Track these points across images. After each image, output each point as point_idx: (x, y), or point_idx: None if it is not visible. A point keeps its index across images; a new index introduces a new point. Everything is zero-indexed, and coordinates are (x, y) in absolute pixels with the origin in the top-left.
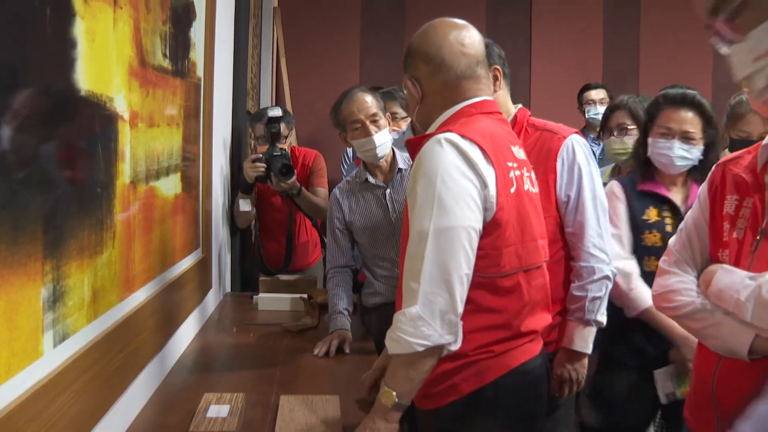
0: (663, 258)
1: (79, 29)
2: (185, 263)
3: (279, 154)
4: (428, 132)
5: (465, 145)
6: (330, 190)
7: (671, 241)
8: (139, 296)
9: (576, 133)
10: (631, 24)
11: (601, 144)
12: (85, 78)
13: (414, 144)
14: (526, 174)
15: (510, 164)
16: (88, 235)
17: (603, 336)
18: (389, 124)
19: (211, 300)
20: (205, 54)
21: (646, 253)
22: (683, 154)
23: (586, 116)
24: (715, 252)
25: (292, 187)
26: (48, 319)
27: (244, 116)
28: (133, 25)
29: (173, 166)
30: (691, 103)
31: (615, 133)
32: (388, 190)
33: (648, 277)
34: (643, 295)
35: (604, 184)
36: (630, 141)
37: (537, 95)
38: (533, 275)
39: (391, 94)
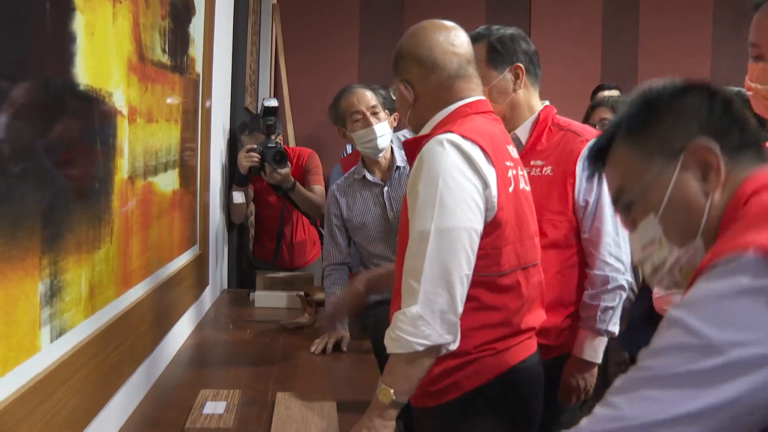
0: None
1: (79, 23)
2: (182, 259)
3: (273, 145)
4: (423, 133)
5: (467, 145)
6: (327, 188)
7: None
8: (137, 292)
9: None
10: (630, 25)
11: None
12: (84, 72)
13: (412, 144)
14: (520, 173)
15: (508, 163)
16: (86, 230)
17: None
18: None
19: (208, 296)
20: (204, 50)
21: None
22: None
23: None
24: None
25: (286, 179)
26: (45, 314)
27: (242, 113)
28: (132, 20)
29: (171, 162)
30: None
31: (597, 127)
32: (386, 188)
33: None
34: None
35: None
36: None
37: None
38: (530, 273)
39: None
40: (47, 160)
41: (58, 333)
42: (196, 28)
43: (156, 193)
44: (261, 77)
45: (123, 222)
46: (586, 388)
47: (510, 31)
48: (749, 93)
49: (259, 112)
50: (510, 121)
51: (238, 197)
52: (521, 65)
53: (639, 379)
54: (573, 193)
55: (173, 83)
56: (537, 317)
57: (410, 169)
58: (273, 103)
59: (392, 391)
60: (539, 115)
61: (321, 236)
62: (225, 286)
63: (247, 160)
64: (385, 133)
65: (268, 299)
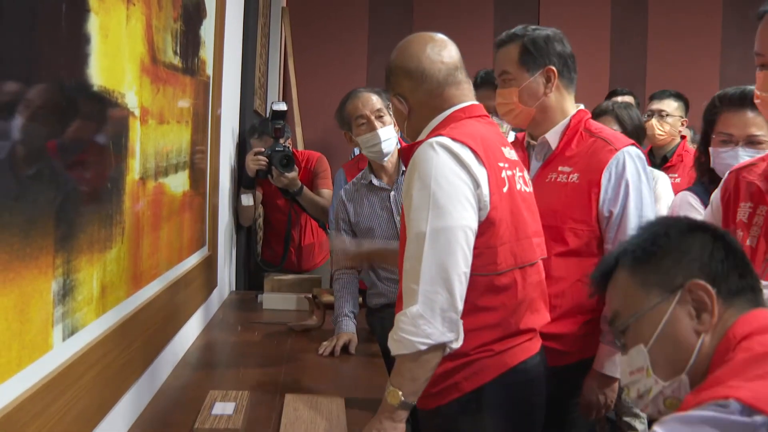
0: None
1: (93, 25)
2: (191, 261)
3: (281, 149)
4: (419, 140)
5: (456, 147)
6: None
7: None
8: (147, 292)
9: (632, 144)
10: (638, 29)
11: None
12: (98, 74)
13: (406, 151)
14: (518, 174)
15: (501, 164)
16: (98, 230)
17: None
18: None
19: (216, 298)
20: (215, 52)
21: None
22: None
23: None
24: None
25: (293, 182)
26: (58, 313)
27: (251, 115)
28: (145, 22)
29: (182, 164)
30: (753, 101)
31: None
32: (392, 193)
33: None
34: None
35: None
36: None
37: None
38: (528, 272)
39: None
40: (61, 161)
41: (70, 332)
42: (207, 30)
43: (167, 194)
44: (270, 80)
45: (134, 222)
46: (606, 404)
47: (546, 32)
48: (757, 101)
49: (268, 115)
50: (541, 124)
51: (246, 200)
52: (554, 68)
53: None
54: (597, 203)
55: (184, 85)
56: (538, 318)
57: None
58: (282, 107)
59: (401, 392)
60: (571, 120)
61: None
62: (233, 288)
63: (255, 163)
64: (389, 138)
65: (275, 301)
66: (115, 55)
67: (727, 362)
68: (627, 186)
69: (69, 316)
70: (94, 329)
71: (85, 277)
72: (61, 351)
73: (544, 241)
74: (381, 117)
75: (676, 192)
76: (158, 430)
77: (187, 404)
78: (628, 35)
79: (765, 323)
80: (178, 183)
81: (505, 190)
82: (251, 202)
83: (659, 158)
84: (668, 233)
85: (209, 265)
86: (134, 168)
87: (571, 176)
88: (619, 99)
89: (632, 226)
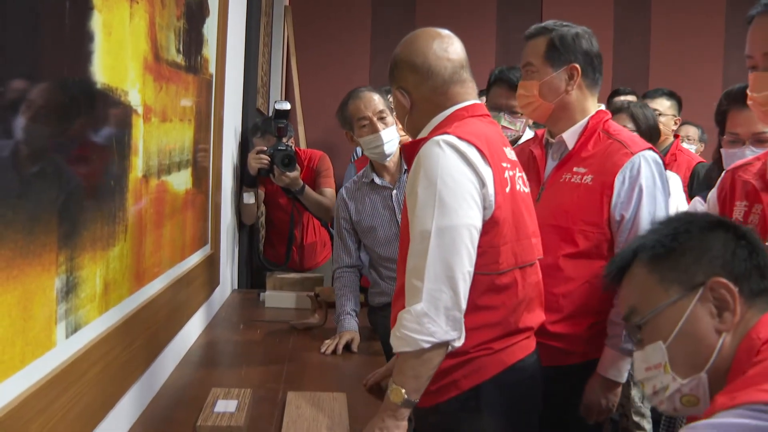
0: None
1: (97, 23)
2: (194, 259)
3: (284, 148)
4: (420, 137)
5: (463, 146)
6: (338, 191)
7: None
8: (149, 290)
9: (649, 149)
10: (641, 29)
11: None
12: (101, 71)
13: (410, 148)
14: (518, 174)
15: (504, 164)
16: (100, 227)
17: None
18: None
19: (219, 296)
20: (218, 51)
21: None
22: None
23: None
24: None
25: (295, 182)
26: (61, 310)
27: (254, 114)
28: (148, 20)
29: (184, 162)
30: None
31: None
32: (394, 191)
33: None
34: None
35: None
36: None
37: None
38: (527, 272)
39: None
40: (64, 158)
41: (74, 329)
42: (210, 28)
43: (169, 192)
44: (272, 79)
45: (137, 220)
46: (608, 407)
47: (576, 29)
48: (750, 102)
49: (270, 114)
50: (559, 121)
51: (248, 198)
52: (578, 66)
53: None
54: (609, 206)
55: (187, 83)
56: (535, 317)
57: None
58: (285, 106)
59: (403, 390)
60: (589, 120)
61: (332, 238)
62: (235, 286)
63: (257, 161)
64: (392, 139)
65: (278, 299)
66: (118, 52)
67: (757, 364)
68: (641, 190)
69: (72, 314)
70: (97, 326)
71: (88, 275)
72: (64, 348)
73: (554, 241)
74: (383, 118)
75: None
76: (161, 427)
77: (190, 402)
78: (631, 35)
79: None
80: (181, 181)
81: (507, 190)
82: (253, 201)
83: None
84: (689, 229)
85: (212, 263)
86: (137, 166)
87: (584, 177)
88: (622, 98)
89: (643, 231)
